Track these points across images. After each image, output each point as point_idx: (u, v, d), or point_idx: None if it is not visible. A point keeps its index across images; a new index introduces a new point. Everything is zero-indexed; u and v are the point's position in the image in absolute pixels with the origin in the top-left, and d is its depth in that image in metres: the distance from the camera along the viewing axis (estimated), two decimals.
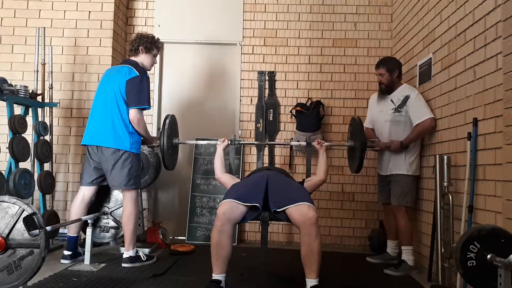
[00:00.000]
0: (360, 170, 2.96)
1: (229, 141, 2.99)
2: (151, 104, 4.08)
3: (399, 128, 3.02)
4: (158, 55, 3.09)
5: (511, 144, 1.90)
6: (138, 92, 2.85)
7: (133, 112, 2.86)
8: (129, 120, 2.86)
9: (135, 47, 3.01)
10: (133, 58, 3.03)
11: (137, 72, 2.88)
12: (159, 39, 3.16)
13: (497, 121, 2.11)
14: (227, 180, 2.74)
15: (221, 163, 2.84)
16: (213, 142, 3.03)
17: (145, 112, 4.03)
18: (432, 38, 3.00)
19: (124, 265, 2.85)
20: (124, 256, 2.89)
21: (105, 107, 2.88)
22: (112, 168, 2.83)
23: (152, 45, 3.05)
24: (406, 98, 2.99)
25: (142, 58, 3.03)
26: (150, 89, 4.08)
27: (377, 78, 3.17)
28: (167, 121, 2.96)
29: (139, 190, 3.71)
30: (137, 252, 2.94)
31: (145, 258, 2.94)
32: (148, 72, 3.02)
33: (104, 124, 2.85)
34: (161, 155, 2.89)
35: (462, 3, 2.55)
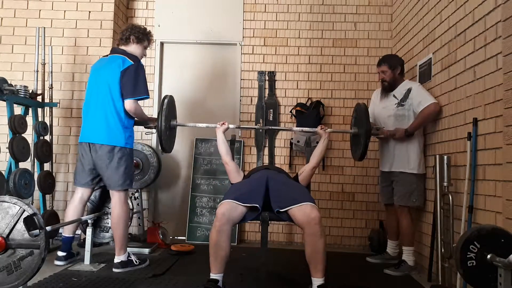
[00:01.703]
0: (364, 158, 2.85)
1: (228, 125, 2.88)
2: (152, 104, 4.13)
3: (403, 123, 2.99)
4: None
5: (511, 144, 1.90)
6: (135, 82, 2.72)
7: (128, 103, 2.72)
8: (124, 112, 2.75)
9: (126, 36, 2.88)
10: (122, 47, 2.89)
11: (131, 61, 2.75)
12: (151, 32, 3.02)
13: (497, 121, 2.11)
14: (233, 170, 2.71)
15: (225, 147, 2.76)
16: (213, 125, 2.92)
17: (145, 112, 4.08)
18: (432, 38, 3.00)
19: (115, 270, 2.72)
20: (115, 261, 2.76)
21: (97, 101, 2.76)
22: (106, 167, 2.72)
23: (144, 36, 2.93)
24: (409, 90, 2.98)
25: (133, 48, 2.89)
26: (150, 89, 4.14)
27: (379, 75, 3.15)
28: (166, 101, 2.80)
29: (139, 190, 3.73)
30: (129, 256, 2.81)
31: (138, 262, 2.83)
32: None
33: (97, 119, 2.74)
34: (159, 137, 2.77)
35: (462, 3, 2.55)
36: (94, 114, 2.77)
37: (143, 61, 4.07)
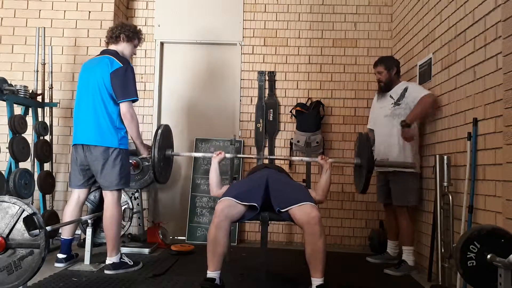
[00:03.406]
0: (366, 191, 2.76)
1: (226, 154, 2.77)
2: (152, 104, 4.14)
3: (399, 121, 2.99)
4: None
5: (511, 144, 1.90)
6: (125, 84, 2.66)
7: (124, 106, 2.67)
8: (118, 115, 2.70)
9: (116, 35, 2.81)
10: (112, 47, 2.84)
11: (120, 63, 2.68)
12: (141, 31, 2.97)
13: (497, 121, 2.11)
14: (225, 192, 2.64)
15: (217, 178, 2.63)
16: (209, 155, 2.83)
17: (145, 112, 4.11)
18: (432, 38, 3.00)
19: (106, 272, 2.67)
20: (107, 262, 2.71)
21: (87, 102, 2.71)
22: (102, 168, 2.68)
23: (134, 34, 2.87)
24: (405, 90, 3.02)
25: (123, 47, 2.84)
26: (150, 89, 4.15)
27: (376, 76, 3.21)
28: (159, 131, 2.71)
29: (139, 190, 3.73)
30: (121, 257, 2.76)
31: (131, 263, 2.78)
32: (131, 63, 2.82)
33: (89, 121, 2.69)
34: (152, 169, 2.68)
35: (462, 3, 2.55)
36: (85, 115, 2.72)
37: (141, 61, 4.16)
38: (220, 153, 2.75)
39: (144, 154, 2.87)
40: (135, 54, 3.01)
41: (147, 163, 3.59)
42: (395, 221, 3.18)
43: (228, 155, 2.85)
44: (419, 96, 2.90)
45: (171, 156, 2.89)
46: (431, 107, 2.89)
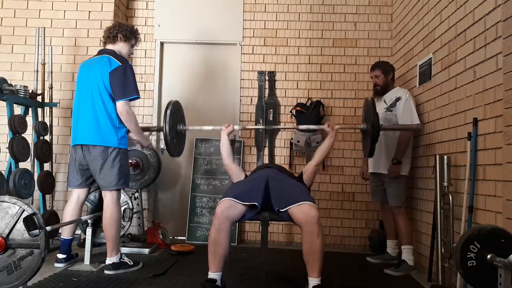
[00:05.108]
0: (372, 155, 2.81)
1: (234, 127, 2.90)
2: (152, 104, 4.13)
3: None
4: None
5: (511, 144, 1.90)
6: (124, 83, 2.65)
7: (120, 105, 2.65)
8: (115, 113, 2.68)
9: (113, 34, 2.81)
10: (109, 47, 2.84)
11: (119, 62, 2.68)
12: (138, 31, 2.97)
13: (497, 121, 2.11)
14: (235, 172, 2.72)
15: (228, 150, 2.78)
16: (218, 127, 2.94)
17: (145, 112, 4.11)
18: (432, 38, 3.00)
19: (106, 272, 2.66)
20: (107, 262, 2.71)
21: (86, 102, 2.70)
22: (101, 167, 2.67)
23: (131, 34, 2.87)
24: (397, 99, 3.09)
25: (120, 47, 2.84)
26: (150, 89, 4.16)
27: (373, 80, 3.27)
28: (168, 112, 2.79)
29: (139, 190, 3.73)
30: (121, 258, 2.76)
31: (131, 263, 2.78)
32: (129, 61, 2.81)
33: (88, 121, 2.68)
34: (165, 145, 2.78)
35: (462, 3, 2.54)
36: (84, 115, 2.71)
37: (141, 61, 4.16)
38: (228, 125, 2.88)
39: (145, 144, 2.95)
40: (132, 54, 3.01)
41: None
42: (393, 220, 3.19)
43: (236, 127, 2.98)
44: (402, 121, 3.00)
45: (181, 131, 3.01)
46: (409, 138, 3.04)
